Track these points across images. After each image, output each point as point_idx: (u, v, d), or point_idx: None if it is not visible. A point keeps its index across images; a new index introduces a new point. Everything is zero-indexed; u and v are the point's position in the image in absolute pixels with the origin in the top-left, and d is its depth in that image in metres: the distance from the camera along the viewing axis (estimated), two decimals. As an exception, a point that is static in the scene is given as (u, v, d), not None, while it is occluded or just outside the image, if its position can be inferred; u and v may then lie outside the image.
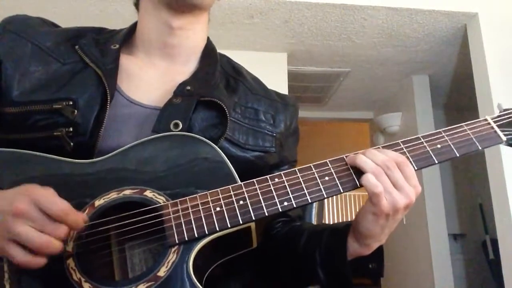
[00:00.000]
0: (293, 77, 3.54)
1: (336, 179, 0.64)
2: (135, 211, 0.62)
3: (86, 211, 0.62)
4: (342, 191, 0.64)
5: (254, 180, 0.64)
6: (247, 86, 0.84)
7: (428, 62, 3.42)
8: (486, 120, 0.71)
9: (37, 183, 0.64)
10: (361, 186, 0.64)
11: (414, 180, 0.63)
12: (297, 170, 0.65)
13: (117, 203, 0.63)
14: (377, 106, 4.34)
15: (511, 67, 2.68)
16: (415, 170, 0.66)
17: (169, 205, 0.62)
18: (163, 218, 0.61)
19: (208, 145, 0.67)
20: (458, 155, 0.67)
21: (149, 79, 0.78)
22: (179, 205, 0.62)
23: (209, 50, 0.84)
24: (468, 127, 0.70)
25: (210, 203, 0.62)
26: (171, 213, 0.61)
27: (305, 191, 0.63)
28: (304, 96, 4.04)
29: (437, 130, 0.70)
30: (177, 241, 0.60)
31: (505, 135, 0.70)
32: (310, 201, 0.63)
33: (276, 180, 0.64)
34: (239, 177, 0.66)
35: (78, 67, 0.74)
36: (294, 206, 0.63)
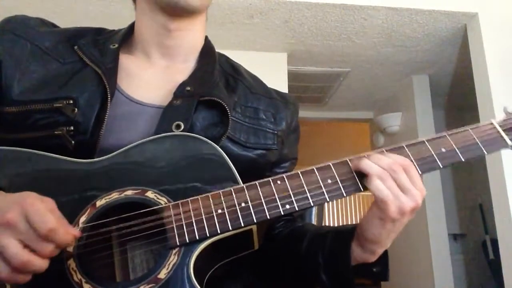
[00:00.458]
0: (293, 77, 3.54)
1: (339, 183, 0.64)
2: (136, 212, 0.61)
3: (88, 211, 0.62)
4: (345, 195, 0.63)
5: (257, 182, 0.64)
6: (246, 85, 0.84)
7: (428, 62, 3.42)
8: (491, 123, 0.69)
9: (37, 183, 0.64)
10: (364, 190, 0.63)
11: (419, 183, 0.62)
12: (299, 173, 0.65)
13: (118, 203, 0.62)
14: (377, 106, 4.34)
15: (511, 67, 2.68)
16: (420, 174, 0.65)
17: (171, 206, 0.62)
18: (165, 219, 0.61)
19: (209, 145, 0.67)
20: (463, 159, 0.66)
21: (148, 78, 0.79)
22: (180, 207, 0.62)
23: (207, 49, 0.85)
24: (473, 131, 0.68)
25: (212, 205, 0.62)
26: (172, 215, 0.61)
27: (308, 194, 0.63)
28: (304, 96, 4.03)
29: (442, 133, 0.68)
30: (178, 243, 0.60)
31: (511, 139, 0.68)
32: (312, 204, 0.63)
33: (279, 182, 0.64)
34: (241, 176, 0.66)
35: (77, 66, 0.74)
36: (296, 209, 0.62)
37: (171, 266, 0.59)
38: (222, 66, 0.85)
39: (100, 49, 0.77)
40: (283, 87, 3.18)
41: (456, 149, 0.66)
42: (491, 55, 2.69)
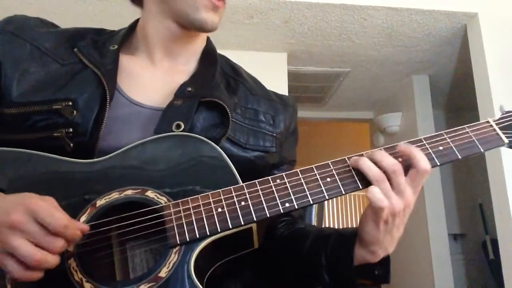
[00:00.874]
0: (293, 77, 3.54)
1: (338, 181, 0.64)
2: (136, 211, 0.62)
3: (88, 211, 0.62)
4: (344, 192, 0.64)
5: (256, 181, 0.64)
6: (246, 87, 0.84)
7: (428, 62, 3.42)
8: (488, 122, 0.71)
9: (37, 183, 0.64)
10: (364, 187, 0.64)
11: (418, 187, 0.64)
12: (299, 171, 0.65)
13: (118, 203, 0.63)
14: (377, 106, 4.34)
15: (511, 67, 2.68)
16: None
17: (171, 205, 0.62)
18: (165, 218, 0.61)
19: (210, 145, 0.67)
20: (460, 157, 0.67)
21: (149, 80, 0.78)
22: (180, 206, 0.62)
23: (209, 51, 0.85)
24: (470, 129, 0.69)
25: (212, 203, 0.62)
26: (172, 214, 0.61)
27: (307, 193, 0.63)
28: (304, 96, 4.04)
29: (439, 132, 0.69)
30: (178, 242, 0.60)
31: (507, 137, 0.69)
32: (311, 202, 0.63)
33: (278, 181, 0.64)
34: (240, 177, 0.66)
35: (77, 68, 0.74)
36: (296, 207, 0.63)
37: (171, 264, 0.59)
38: (223, 68, 0.85)
39: (100, 51, 0.77)
40: (283, 87, 3.18)
41: (453, 147, 0.67)
42: (491, 55, 2.69)
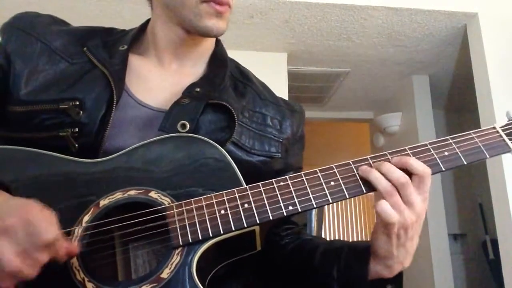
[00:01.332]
0: (293, 77, 3.54)
1: (342, 185, 0.64)
2: (139, 212, 0.62)
3: (91, 210, 0.62)
4: (347, 196, 0.63)
5: (260, 183, 0.64)
6: (255, 91, 0.84)
7: (428, 62, 3.42)
8: (494, 128, 0.70)
9: (42, 182, 0.64)
10: (367, 192, 0.64)
11: (426, 193, 0.62)
12: (302, 174, 0.65)
13: (121, 203, 0.62)
14: (377, 106, 4.34)
15: (511, 67, 2.68)
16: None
17: (174, 206, 0.62)
18: (168, 219, 0.61)
19: (214, 147, 0.67)
20: (465, 163, 0.66)
21: (158, 81, 0.78)
22: (183, 207, 0.62)
23: (218, 54, 0.84)
24: (476, 135, 0.69)
25: (215, 205, 0.62)
26: (175, 215, 0.61)
27: (310, 196, 0.63)
28: (304, 96, 4.04)
29: (444, 138, 0.69)
30: (181, 243, 0.60)
31: None
32: (315, 206, 0.63)
33: (282, 183, 0.64)
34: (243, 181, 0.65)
35: (86, 67, 0.74)
36: (299, 210, 0.62)
37: (173, 266, 0.59)
38: (232, 72, 0.84)
39: (109, 51, 0.77)
40: (283, 87, 3.18)
41: (458, 152, 0.67)
42: (491, 55, 2.69)
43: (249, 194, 0.63)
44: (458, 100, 4.08)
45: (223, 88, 0.78)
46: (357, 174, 0.64)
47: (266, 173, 0.75)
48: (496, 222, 2.61)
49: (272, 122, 0.81)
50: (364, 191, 0.64)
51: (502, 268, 2.58)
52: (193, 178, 0.65)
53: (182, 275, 0.59)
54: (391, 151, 0.66)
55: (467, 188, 4.18)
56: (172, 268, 0.59)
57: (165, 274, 0.58)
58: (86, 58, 0.75)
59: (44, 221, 0.52)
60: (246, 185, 0.65)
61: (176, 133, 0.69)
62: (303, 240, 0.80)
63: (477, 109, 2.76)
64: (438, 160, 0.66)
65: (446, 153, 0.67)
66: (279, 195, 0.63)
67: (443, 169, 0.66)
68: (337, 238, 6.71)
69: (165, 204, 0.62)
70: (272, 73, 3.13)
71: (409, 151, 0.66)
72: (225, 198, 0.63)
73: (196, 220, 0.61)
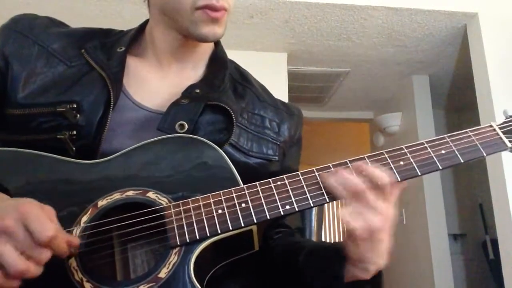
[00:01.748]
0: (293, 77, 3.54)
1: None
2: (137, 212, 0.62)
3: (89, 211, 0.62)
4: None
5: (257, 183, 0.64)
6: (254, 93, 0.84)
7: (428, 62, 3.43)
8: (491, 126, 0.70)
9: (40, 183, 0.64)
10: None
11: (391, 199, 0.61)
12: (300, 173, 0.65)
13: (120, 204, 0.63)
14: (377, 106, 4.34)
15: (511, 67, 2.68)
16: (419, 175, 0.65)
17: (171, 206, 0.62)
18: (165, 219, 0.61)
19: (212, 148, 0.67)
20: (462, 161, 0.66)
21: (157, 83, 0.78)
22: (181, 207, 0.62)
23: (218, 56, 0.84)
24: (473, 133, 0.68)
25: (212, 205, 0.62)
26: (173, 215, 0.61)
27: (308, 195, 0.63)
28: (304, 96, 4.04)
29: (441, 136, 0.68)
30: (178, 243, 0.60)
31: (510, 141, 0.68)
32: (312, 205, 0.63)
33: (279, 183, 0.64)
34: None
35: (83, 70, 0.74)
36: (296, 209, 0.62)
37: (171, 265, 0.59)
38: (231, 73, 0.84)
39: (107, 52, 0.76)
40: (283, 87, 3.19)
41: (455, 150, 0.67)
42: (491, 55, 2.69)
43: (246, 193, 0.63)
44: (458, 100, 4.09)
45: (223, 89, 0.78)
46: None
47: (263, 175, 0.75)
48: (496, 222, 2.61)
49: (270, 125, 0.81)
50: None
51: (502, 268, 2.58)
52: (191, 178, 0.65)
53: (179, 275, 0.59)
54: (388, 150, 0.66)
55: (467, 188, 4.19)
56: (170, 268, 0.59)
57: (163, 273, 0.58)
58: (84, 60, 0.75)
59: (42, 218, 0.52)
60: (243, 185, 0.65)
61: (175, 134, 0.69)
62: (290, 241, 0.80)
63: (477, 109, 2.76)
64: (435, 159, 0.66)
65: (443, 151, 0.66)
66: (276, 195, 0.63)
67: (440, 168, 0.66)
68: (337, 238, 6.71)
69: (163, 204, 0.62)
70: (272, 73, 3.13)
71: (406, 150, 0.66)
72: (222, 197, 0.63)
73: (194, 220, 0.61)
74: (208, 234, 0.60)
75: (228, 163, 0.66)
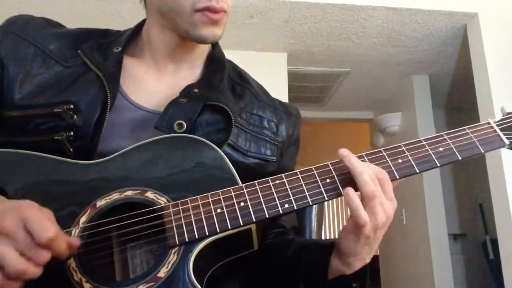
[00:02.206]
0: (293, 77, 3.54)
1: (338, 182, 0.64)
2: (136, 212, 0.62)
3: (88, 211, 0.62)
4: (343, 194, 0.63)
5: (255, 182, 0.64)
6: (253, 93, 0.83)
7: (428, 62, 3.43)
8: (489, 123, 0.71)
9: (38, 184, 0.64)
10: None
11: (391, 194, 0.62)
12: (298, 172, 0.65)
13: (118, 204, 0.63)
14: (377, 106, 4.34)
15: (511, 67, 2.68)
16: (417, 173, 0.65)
17: (170, 206, 0.62)
18: (164, 219, 0.61)
19: (211, 148, 0.67)
20: (460, 158, 0.66)
21: (154, 83, 0.78)
22: (180, 206, 0.62)
23: (216, 56, 0.84)
24: (471, 131, 0.69)
25: (211, 204, 0.62)
26: (172, 214, 0.61)
27: (306, 194, 0.63)
28: (304, 96, 4.04)
29: (439, 134, 0.69)
30: (177, 242, 0.60)
31: (508, 138, 0.69)
32: (311, 203, 0.63)
33: (277, 182, 0.64)
34: None
35: (80, 70, 0.73)
36: (295, 208, 0.62)
37: (170, 265, 0.59)
38: (229, 74, 0.84)
39: (104, 53, 0.76)
40: (283, 87, 3.19)
41: (453, 148, 0.67)
42: (491, 55, 2.69)
43: (245, 192, 0.63)
44: (458, 100, 4.08)
45: (221, 90, 0.78)
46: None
47: (261, 175, 0.75)
48: (496, 222, 2.61)
49: (268, 125, 0.81)
50: None
51: (502, 268, 2.58)
52: (189, 178, 0.65)
53: (179, 274, 0.59)
54: (386, 147, 0.67)
55: (467, 188, 4.18)
56: (169, 267, 0.59)
57: (162, 273, 0.58)
58: (81, 60, 0.74)
59: (42, 219, 0.52)
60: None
61: (173, 134, 0.69)
62: (282, 240, 0.80)
63: (477, 108, 2.76)
64: (433, 156, 0.66)
65: (441, 149, 0.67)
66: (275, 193, 0.63)
67: (438, 165, 0.66)
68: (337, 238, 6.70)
69: (161, 204, 0.62)
70: (272, 73, 3.13)
71: (404, 148, 0.67)
72: (221, 196, 0.63)
73: (193, 219, 0.61)
74: (207, 234, 0.60)
75: (227, 163, 0.66)
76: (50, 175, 0.65)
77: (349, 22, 2.84)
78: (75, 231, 0.61)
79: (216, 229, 0.61)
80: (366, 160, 0.65)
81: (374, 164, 0.64)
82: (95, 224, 0.61)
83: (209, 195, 0.63)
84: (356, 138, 5.32)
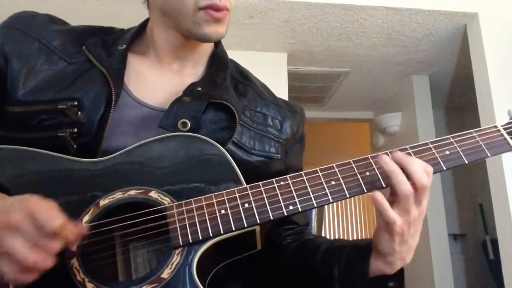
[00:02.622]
0: (293, 77, 3.54)
1: (343, 184, 0.63)
2: (140, 211, 0.61)
3: (91, 211, 0.62)
4: (348, 196, 0.63)
5: (260, 183, 0.64)
6: (256, 91, 0.83)
7: (428, 62, 3.42)
8: (496, 127, 0.70)
9: (41, 181, 0.64)
10: (368, 191, 0.63)
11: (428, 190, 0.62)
12: (303, 174, 0.65)
13: (121, 203, 0.62)
14: (377, 106, 4.34)
15: (511, 67, 2.68)
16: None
17: (174, 206, 0.62)
18: (168, 219, 0.61)
19: (215, 146, 0.66)
20: (467, 162, 0.66)
21: (158, 81, 0.78)
22: (184, 207, 0.62)
23: (218, 55, 0.84)
24: (477, 134, 0.68)
25: (215, 205, 0.62)
26: (175, 215, 0.61)
27: (311, 195, 0.63)
28: (304, 96, 4.03)
29: (446, 137, 0.68)
30: (181, 243, 0.60)
31: None
32: (315, 205, 0.62)
33: (282, 183, 0.64)
34: None
35: (84, 67, 0.73)
36: (300, 210, 0.62)
37: (174, 266, 0.59)
38: (232, 73, 0.84)
39: (108, 50, 0.76)
40: (283, 87, 3.18)
41: (460, 151, 0.66)
42: (491, 55, 2.69)
43: (250, 193, 0.63)
44: (458, 100, 4.08)
45: (224, 88, 0.78)
46: (358, 174, 0.64)
47: (266, 173, 0.74)
48: (496, 222, 2.61)
49: (272, 122, 0.81)
50: (365, 191, 0.64)
51: (502, 268, 2.58)
52: (193, 178, 0.65)
53: (182, 275, 0.58)
54: (391, 150, 0.66)
55: (467, 188, 4.18)
56: (172, 268, 0.59)
57: (166, 274, 0.58)
58: (85, 57, 0.74)
59: (48, 210, 0.52)
60: (246, 184, 0.64)
61: (177, 133, 0.68)
62: (305, 239, 0.80)
63: (477, 109, 2.76)
64: (439, 159, 0.66)
65: (447, 152, 0.66)
66: (279, 195, 0.63)
67: (444, 168, 0.66)
68: (337, 238, 6.70)
69: (165, 204, 0.62)
70: (272, 73, 3.13)
71: (410, 150, 0.66)
72: (225, 198, 0.62)
73: (196, 220, 0.61)
74: (211, 235, 0.60)
75: (231, 162, 0.66)
76: (53, 173, 0.65)
77: (349, 22, 2.83)
78: None
79: (220, 230, 0.60)
80: (372, 163, 0.65)
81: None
82: (98, 224, 0.61)
83: (213, 196, 0.62)
84: (356, 138, 5.32)
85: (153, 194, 0.63)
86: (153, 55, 0.80)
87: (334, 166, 0.65)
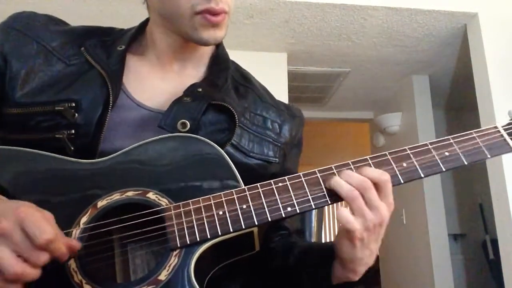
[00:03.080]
0: (293, 77, 3.54)
1: None
2: (137, 213, 0.61)
3: (89, 212, 0.62)
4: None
5: (258, 184, 0.63)
6: (256, 94, 0.83)
7: (428, 62, 3.42)
8: (496, 127, 0.69)
9: (39, 182, 0.64)
10: None
11: (390, 199, 0.62)
12: (301, 175, 0.64)
13: (119, 204, 0.62)
14: (377, 106, 4.34)
15: (511, 67, 2.68)
16: (422, 177, 0.64)
17: (172, 208, 0.61)
18: (166, 221, 0.61)
19: (213, 147, 0.66)
20: (466, 163, 0.65)
21: (157, 82, 0.77)
22: (181, 208, 0.61)
23: (220, 56, 0.83)
24: (477, 135, 0.67)
25: (213, 207, 0.61)
26: (173, 216, 0.61)
27: (309, 197, 0.62)
28: (304, 96, 4.04)
29: (445, 137, 0.67)
30: (178, 245, 0.59)
31: None
32: (314, 207, 0.62)
33: (280, 184, 0.63)
34: None
35: (83, 68, 0.73)
36: (298, 211, 0.62)
37: (171, 267, 0.59)
38: (233, 74, 0.83)
39: (107, 51, 0.76)
40: (283, 87, 3.18)
41: (459, 152, 0.66)
42: (491, 55, 2.69)
43: (248, 195, 0.62)
44: (458, 100, 4.08)
45: (225, 89, 0.78)
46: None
47: (263, 176, 0.74)
48: (496, 222, 2.61)
49: (272, 125, 0.81)
50: None
51: (502, 268, 2.58)
52: (191, 179, 0.64)
53: (180, 277, 0.58)
54: (391, 151, 0.66)
55: (467, 188, 4.18)
56: (170, 270, 0.58)
57: (163, 276, 0.58)
58: (84, 58, 0.74)
59: (40, 221, 0.51)
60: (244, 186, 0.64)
61: (176, 133, 0.68)
62: (285, 242, 0.80)
63: (477, 109, 2.76)
64: (439, 161, 0.65)
65: (446, 153, 0.66)
66: (277, 197, 0.62)
67: (444, 170, 0.65)
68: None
69: (163, 205, 0.62)
70: (272, 73, 3.13)
71: (409, 151, 0.66)
72: (223, 199, 0.62)
73: (194, 222, 0.61)
74: (209, 237, 0.60)
75: (229, 163, 0.65)
76: (50, 174, 0.65)
77: (349, 22, 2.83)
78: (76, 231, 0.60)
79: (218, 232, 0.60)
80: (371, 164, 0.64)
81: (379, 169, 0.63)
82: (95, 225, 0.61)
83: (211, 198, 0.62)
84: (356, 138, 5.32)
85: (151, 195, 0.63)
86: (153, 56, 0.79)
87: (333, 167, 0.65)
